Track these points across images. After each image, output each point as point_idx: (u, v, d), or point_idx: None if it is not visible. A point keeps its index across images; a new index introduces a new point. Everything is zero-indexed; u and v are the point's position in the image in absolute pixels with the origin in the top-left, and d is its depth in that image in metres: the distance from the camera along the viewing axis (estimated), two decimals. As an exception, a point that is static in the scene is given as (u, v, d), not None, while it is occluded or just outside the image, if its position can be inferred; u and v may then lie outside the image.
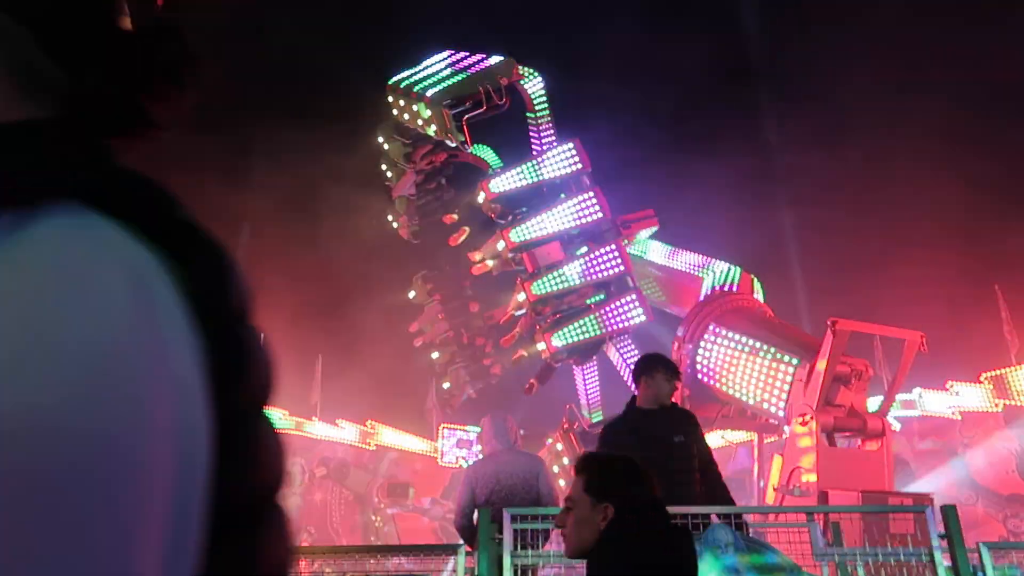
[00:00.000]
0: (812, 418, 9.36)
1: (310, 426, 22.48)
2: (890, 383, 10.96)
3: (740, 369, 10.96)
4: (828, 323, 9.31)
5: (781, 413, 10.32)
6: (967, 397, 19.74)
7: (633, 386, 6.20)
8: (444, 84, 14.47)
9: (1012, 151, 25.31)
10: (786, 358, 10.36)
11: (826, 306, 21.50)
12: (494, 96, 14.29)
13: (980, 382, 19.87)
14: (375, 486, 22.44)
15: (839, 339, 9.29)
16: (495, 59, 14.75)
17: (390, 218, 18.57)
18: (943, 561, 5.04)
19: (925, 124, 25.13)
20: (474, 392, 18.40)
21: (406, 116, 15.43)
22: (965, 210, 24.45)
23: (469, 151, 15.22)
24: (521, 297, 14.08)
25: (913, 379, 20.88)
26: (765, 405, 10.70)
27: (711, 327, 11.69)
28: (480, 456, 8.27)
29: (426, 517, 21.65)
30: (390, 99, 15.83)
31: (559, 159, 14.37)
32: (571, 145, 14.37)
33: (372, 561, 6.27)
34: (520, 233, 14.06)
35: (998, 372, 19.75)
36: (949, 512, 5.06)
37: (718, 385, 11.53)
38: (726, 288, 12.66)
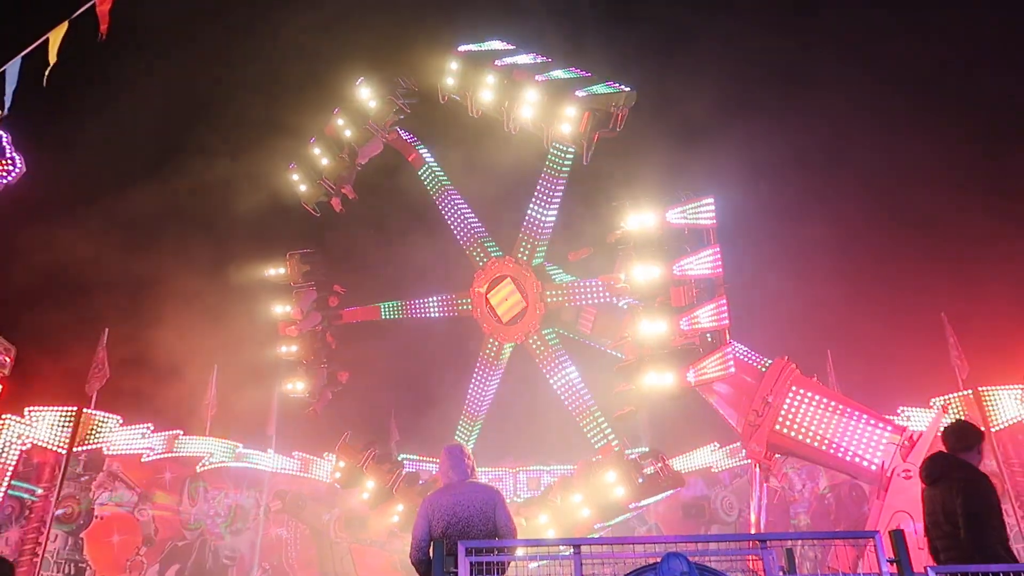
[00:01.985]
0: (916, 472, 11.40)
1: (265, 459, 22.02)
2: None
3: (832, 426, 13.53)
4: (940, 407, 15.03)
5: (874, 468, 13.15)
6: (917, 421, 20.17)
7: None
8: (590, 88, 14.98)
9: None
10: (881, 425, 13.53)
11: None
12: (618, 120, 14.87)
13: (931, 407, 20.34)
14: (333, 520, 22.00)
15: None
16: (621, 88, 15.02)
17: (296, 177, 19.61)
18: (893, 586, 5.10)
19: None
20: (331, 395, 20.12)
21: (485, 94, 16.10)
22: (910, 242, 25.28)
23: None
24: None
25: (866, 403, 21.32)
26: (857, 459, 13.35)
27: (793, 388, 13.86)
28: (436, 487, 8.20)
29: (384, 551, 21.24)
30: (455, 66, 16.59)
31: (697, 210, 13.99)
32: (711, 199, 14.05)
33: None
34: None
35: (947, 397, 20.25)
36: (897, 537, 5.14)
37: (799, 437, 13.68)
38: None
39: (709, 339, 13.40)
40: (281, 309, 20.07)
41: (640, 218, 13.75)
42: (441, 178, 18.82)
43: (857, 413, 13.91)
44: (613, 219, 14.22)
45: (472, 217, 18.45)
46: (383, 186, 20.72)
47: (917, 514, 8.29)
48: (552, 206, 17.04)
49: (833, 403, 13.91)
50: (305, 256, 20.27)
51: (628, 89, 14.89)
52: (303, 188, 19.60)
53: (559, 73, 15.64)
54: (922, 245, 25.36)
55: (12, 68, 12.11)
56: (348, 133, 19.02)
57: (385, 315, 19.80)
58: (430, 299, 19.18)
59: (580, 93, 14.81)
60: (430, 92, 17.59)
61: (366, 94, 18.69)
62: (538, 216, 17.14)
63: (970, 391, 20.19)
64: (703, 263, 13.47)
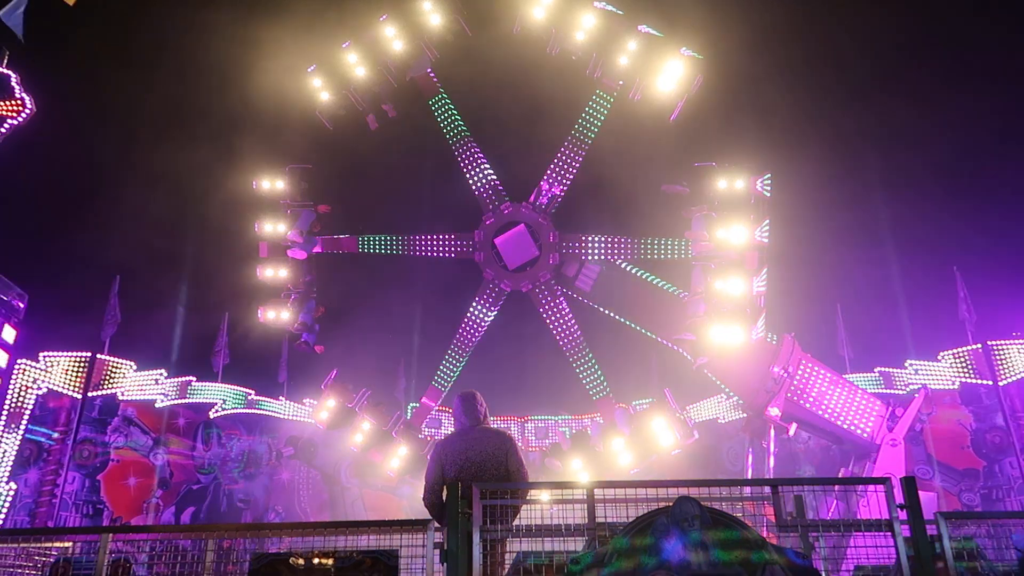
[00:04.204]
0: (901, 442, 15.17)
1: (277, 406, 22.31)
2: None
3: (836, 399, 15.33)
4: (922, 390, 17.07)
5: (865, 436, 15.21)
6: (924, 375, 20.25)
7: None
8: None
9: None
10: (874, 401, 15.65)
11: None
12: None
13: (938, 360, 20.39)
14: (343, 465, 22.38)
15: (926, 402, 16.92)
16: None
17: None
18: (902, 532, 5.16)
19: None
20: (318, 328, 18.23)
21: None
22: (924, 195, 24.97)
23: None
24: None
25: (875, 358, 21.43)
26: (853, 428, 15.22)
27: (803, 362, 15.34)
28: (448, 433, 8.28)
29: (395, 495, 21.65)
30: None
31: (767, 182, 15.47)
32: (769, 174, 15.40)
33: (342, 539, 6.24)
34: None
35: (955, 351, 20.28)
36: (908, 484, 5.18)
37: (806, 405, 15.26)
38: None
39: (762, 304, 14.88)
40: (273, 228, 17.60)
41: (731, 180, 14.96)
42: (458, 121, 17.96)
43: (852, 387, 15.82)
44: (692, 179, 15.33)
45: (485, 161, 17.76)
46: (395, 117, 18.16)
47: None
48: (579, 157, 17.05)
49: (834, 376, 15.73)
50: (306, 172, 18.07)
51: (700, 56, 15.79)
52: (324, 96, 17.55)
53: (645, 28, 15.99)
54: (936, 197, 25.08)
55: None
56: (398, 45, 17.26)
57: (363, 248, 18.20)
58: (427, 237, 17.92)
59: (686, 52, 15.56)
60: (496, 18, 16.90)
61: (429, 6, 17.14)
62: (565, 163, 17.05)
63: (979, 345, 20.19)
64: (764, 231, 14.87)
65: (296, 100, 17.94)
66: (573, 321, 17.11)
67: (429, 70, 17.92)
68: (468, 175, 17.67)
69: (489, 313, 17.66)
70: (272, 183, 17.79)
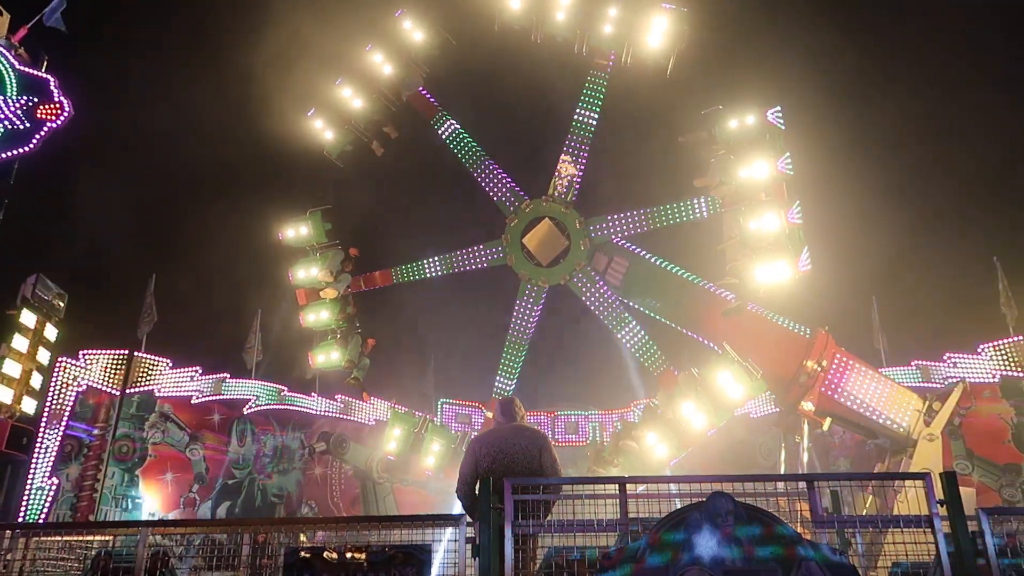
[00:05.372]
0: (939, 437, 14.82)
1: (309, 401, 22.54)
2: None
3: (871, 392, 15.00)
4: (960, 383, 15.84)
5: (902, 430, 14.92)
6: (964, 368, 19.81)
7: None
8: None
9: None
10: (910, 395, 15.28)
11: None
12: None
13: (978, 353, 19.94)
14: (375, 460, 22.56)
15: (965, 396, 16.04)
16: None
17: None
18: (943, 528, 5.05)
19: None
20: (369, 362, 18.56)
21: None
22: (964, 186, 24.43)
23: None
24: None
25: (911, 351, 21.01)
26: (888, 423, 14.94)
27: (837, 356, 15.08)
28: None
29: (425, 491, 21.77)
30: None
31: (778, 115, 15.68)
32: (779, 107, 15.48)
33: (373, 533, 6.28)
34: None
35: (996, 343, 19.81)
36: (949, 479, 5.07)
37: (841, 400, 14.98)
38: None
39: (802, 236, 14.67)
40: (305, 273, 17.87)
41: (742, 118, 14.86)
42: (468, 142, 18.07)
43: (888, 380, 15.51)
44: (704, 126, 15.20)
45: (497, 168, 17.84)
46: (396, 141, 18.74)
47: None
48: (587, 139, 17.10)
49: (869, 370, 15.43)
50: (327, 213, 18.22)
51: (684, 10, 15.78)
52: (328, 135, 18.07)
53: None
54: (976, 189, 24.51)
55: None
56: (388, 70, 17.77)
57: (398, 279, 18.53)
58: (459, 253, 18.12)
59: (667, 5, 15.63)
60: (482, 23, 17.07)
61: (409, 25, 17.60)
62: (575, 148, 17.08)
63: (1020, 337, 19.72)
64: (786, 163, 14.73)
65: (302, 144, 18.40)
66: (618, 302, 17.01)
67: (422, 88, 18.21)
68: (487, 187, 17.82)
69: (534, 313, 17.74)
70: (296, 230, 18.08)
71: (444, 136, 18.15)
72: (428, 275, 18.40)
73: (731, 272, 14.83)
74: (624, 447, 15.64)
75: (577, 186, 17.19)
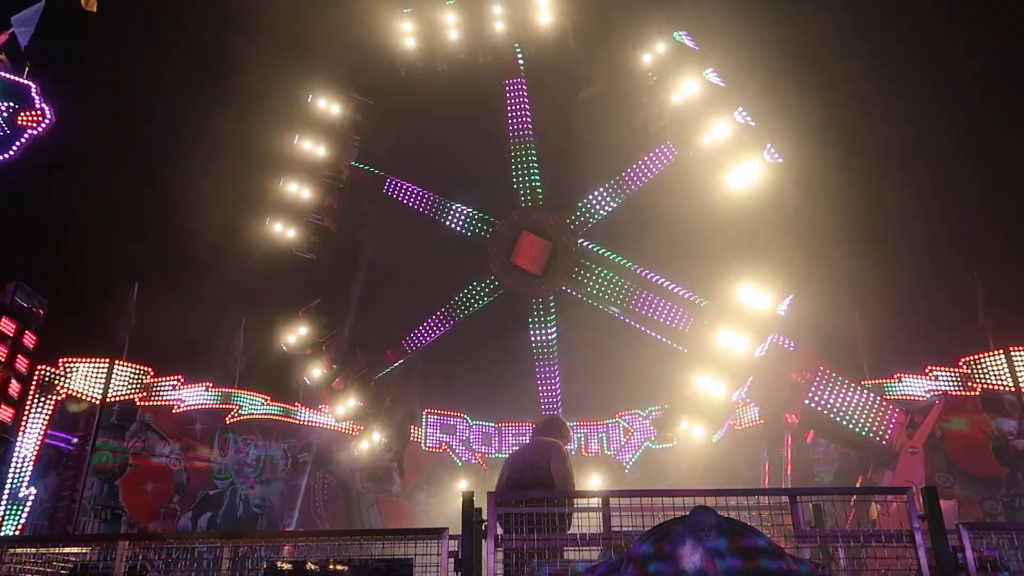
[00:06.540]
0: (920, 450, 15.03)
1: (293, 411, 22.38)
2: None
3: (852, 406, 15.02)
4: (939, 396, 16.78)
5: (883, 442, 14.96)
6: (944, 382, 19.98)
7: None
8: None
9: None
10: (892, 408, 15.31)
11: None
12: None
13: (959, 367, 20.12)
14: (358, 471, 22.40)
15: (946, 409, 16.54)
16: None
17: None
18: (923, 542, 5.08)
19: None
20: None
21: None
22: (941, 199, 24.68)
23: None
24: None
25: (893, 364, 21.15)
26: (870, 434, 14.96)
27: (821, 369, 15.16)
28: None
29: (410, 502, 21.64)
30: None
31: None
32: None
33: (356, 547, 6.22)
34: None
35: (976, 357, 19.99)
36: (930, 494, 5.10)
37: (825, 412, 14.98)
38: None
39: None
40: (311, 148, 18.11)
41: (652, 49, 15.13)
42: (413, 190, 18.53)
43: (870, 393, 15.58)
44: (630, 56, 15.33)
45: (458, 205, 18.27)
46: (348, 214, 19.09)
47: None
48: (530, 142, 17.55)
49: (852, 383, 15.51)
50: (363, 106, 18.38)
51: None
52: (291, 234, 18.12)
53: None
54: (955, 201, 24.79)
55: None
56: (321, 152, 18.11)
57: (388, 191, 18.89)
58: (456, 208, 18.33)
59: None
60: (387, 74, 17.42)
61: (323, 103, 18.01)
62: (524, 154, 17.50)
63: (1000, 350, 19.91)
64: (744, 114, 15.09)
65: (379, 36, 17.84)
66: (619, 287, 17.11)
67: (355, 163, 18.68)
68: (457, 227, 18.18)
69: (550, 326, 17.88)
70: (328, 105, 18.21)
71: (398, 199, 18.64)
72: (437, 335, 18.88)
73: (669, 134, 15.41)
74: (660, 439, 15.87)
75: (539, 191, 17.48)
